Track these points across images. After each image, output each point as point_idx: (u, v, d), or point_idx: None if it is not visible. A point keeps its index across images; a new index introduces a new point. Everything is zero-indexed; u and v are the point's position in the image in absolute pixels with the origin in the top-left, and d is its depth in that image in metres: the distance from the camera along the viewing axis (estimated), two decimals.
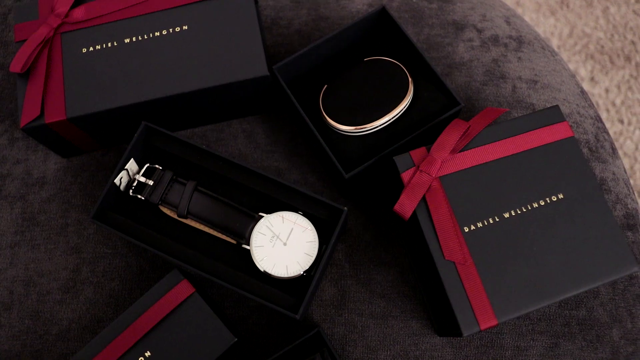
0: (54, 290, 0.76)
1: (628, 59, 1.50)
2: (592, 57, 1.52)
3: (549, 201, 0.66)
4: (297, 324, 0.73)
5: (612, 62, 1.51)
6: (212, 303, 0.71)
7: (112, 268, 0.76)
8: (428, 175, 0.65)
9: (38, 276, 0.76)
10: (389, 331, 0.73)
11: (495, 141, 0.68)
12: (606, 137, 0.86)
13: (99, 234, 0.78)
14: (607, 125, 1.44)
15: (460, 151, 0.67)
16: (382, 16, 0.77)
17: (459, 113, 0.73)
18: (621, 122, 1.45)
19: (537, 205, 0.65)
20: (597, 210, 0.66)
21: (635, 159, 1.41)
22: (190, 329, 0.66)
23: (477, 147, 0.67)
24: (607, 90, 1.49)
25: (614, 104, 1.47)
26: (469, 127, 0.67)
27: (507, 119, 0.75)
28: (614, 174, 0.82)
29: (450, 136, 0.66)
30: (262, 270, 0.67)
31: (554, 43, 1.55)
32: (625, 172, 0.85)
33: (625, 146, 1.42)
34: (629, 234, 0.79)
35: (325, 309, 0.74)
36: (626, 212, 0.80)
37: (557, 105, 0.70)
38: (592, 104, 0.89)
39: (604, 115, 1.46)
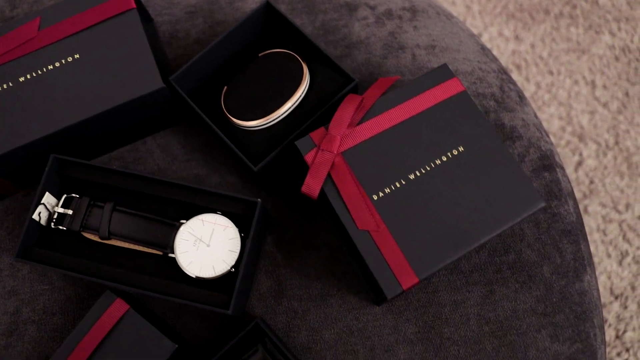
0: None
1: (547, 12, 1.54)
2: (513, 16, 1.56)
3: (450, 156, 0.68)
4: (241, 321, 0.75)
5: (532, 17, 1.54)
6: (152, 316, 0.72)
7: (52, 303, 0.77)
8: (330, 153, 0.67)
9: None
10: (329, 310, 0.75)
11: (390, 108, 0.70)
12: (512, 87, 0.88)
13: (33, 272, 0.78)
14: (538, 78, 1.48)
15: (358, 124, 0.69)
16: (269, 10, 0.79)
17: (356, 89, 0.75)
18: (551, 73, 1.49)
19: (439, 162, 0.68)
20: (497, 156, 0.68)
21: (571, 106, 1.45)
22: (131, 345, 0.67)
23: (375, 117, 0.69)
24: (532, 46, 1.52)
25: (541, 58, 1.51)
26: (362, 100, 0.69)
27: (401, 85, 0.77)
28: (523, 120, 0.85)
29: (345, 111, 0.68)
30: (190, 274, 0.68)
31: (475, 9, 1.58)
32: (536, 117, 0.88)
33: (559, 95, 1.46)
34: (546, 174, 0.82)
35: (264, 302, 0.75)
36: (540, 154, 0.83)
37: (445, 64, 0.72)
38: (495, 58, 0.92)
39: (533, 70, 1.49)
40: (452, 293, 0.76)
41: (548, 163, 0.83)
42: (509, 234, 0.78)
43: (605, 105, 1.42)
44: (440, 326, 0.74)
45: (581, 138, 1.40)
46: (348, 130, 0.68)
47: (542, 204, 0.66)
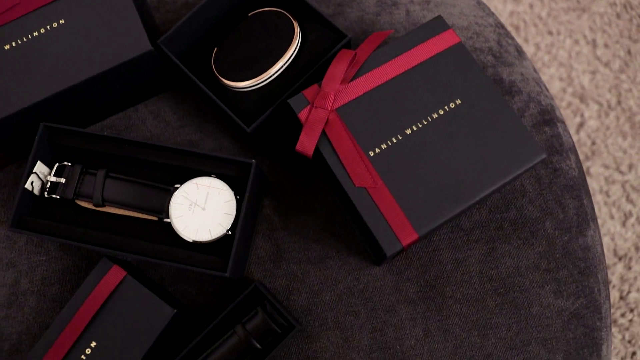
0: None
1: None
2: None
3: (447, 109, 0.67)
4: (240, 286, 0.74)
5: None
6: (150, 283, 0.71)
7: (50, 273, 0.76)
8: (323, 110, 0.65)
9: None
10: (329, 272, 0.74)
11: (385, 63, 0.68)
12: (510, 41, 0.86)
13: (30, 244, 0.78)
14: (538, 39, 1.46)
15: (351, 80, 0.67)
16: None
17: (349, 46, 0.74)
18: (550, 33, 1.46)
19: (436, 116, 0.66)
20: (495, 108, 0.67)
21: (571, 67, 1.42)
22: (130, 311, 0.67)
23: (368, 72, 0.68)
24: (531, 6, 1.50)
25: (540, 18, 1.48)
26: (355, 55, 0.67)
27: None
28: (522, 74, 0.83)
29: (338, 67, 0.66)
30: (186, 239, 0.67)
31: None
32: (536, 72, 0.86)
33: (559, 56, 1.44)
34: (547, 129, 0.80)
35: (263, 265, 0.74)
36: (540, 109, 0.81)
37: (439, 15, 0.70)
38: (492, 13, 0.89)
39: (532, 31, 1.46)
40: (453, 251, 0.74)
41: (549, 118, 0.81)
42: (510, 190, 0.77)
43: (606, 64, 1.40)
44: (442, 285, 0.73)
45: (582, 99, 1.38)
46: (342, 87, 0.66)
47: (543, 156, 0.65)
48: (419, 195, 0.64)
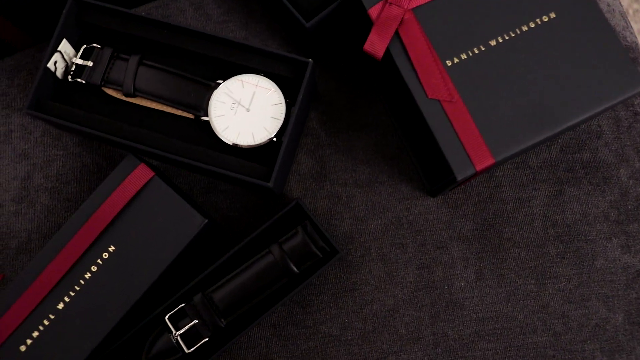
0: (6, 202, 0.68)
1: None
2: None
3: (539, 22, 0.58)
4: (275, 202, 0.67)
5: None
6: (178, 191, 0.64)
7: (67, 170, 0.69)
8: (398, 8, 0.56)
9: None
10: (377, 198, 0.66)
11: None
12: None
13: (47, 135, 0.70)
14: None
15: None
16: None
17: None
18: None
19: (526, 29, 0.57)
20: (594, 27, 0.58)
21: None
22: (155, 217, 0.59)
23: None
24: None
25: None
26: None
27: None
28: (608, 5, 0.74)
29: None
30: (225, 141, 0.59)
31: None
32: (621, 5, 0.76)
33: None
34: None
35: (304, 183, 0.67)
36: (625, 44, 0.72)
37: None
38: None
39: None
40: (516, 190, 0.67)
41: (633, 56, 0.72)
42: (585, 130, 0.69)
43: None
44: (500, 225, 0.66)
45: None
46: None
47: None
48: (499, 115, 0.55)
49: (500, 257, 0.65)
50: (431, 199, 0.66)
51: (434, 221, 0.66)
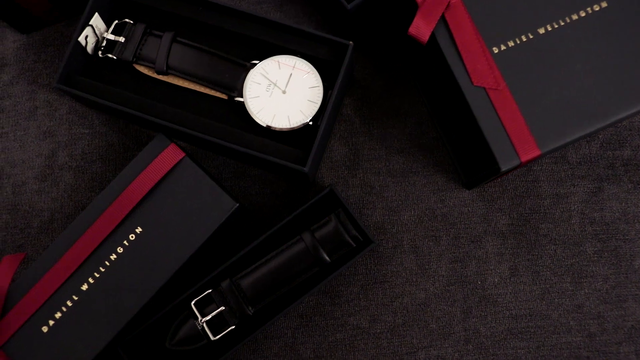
0: (29, 180, 0.67)
1: None
2: None
3: (590, 11, 0.55)
4: (306, 190, 0.65)
5: None
6: (208, 174, 0.62)
7: (92, 149, 0.67)
8: None
9: (10, 167, 0.67)
10: (410, 189, 0.64)
11: None
12: None
13: (72, 113, 0.68)
14: None
15: None
16: None
17: None
18: None
19: (576, 18, 0.55)
20: None
21: None
22: (185, 198, 0.58)
23: None
24: None
25: None
26: None
27: None
28: None
29: None
30: (260, 123, 0.58)
31: None
32: None
33: None
34: None
35: (336, 171, 0.65)
36: None
37: None
38: None
39: None
40: (554, 185, 0.65)
41: None
42: (627, 127, 0.67)
43: None
44: (537, 221, 0.64)
45: None
46: None
47: None
48: (546, 105, 0.53)
49: (536, 253, 0.63)
50: (466, 191, 0.64)
51: (468, 214, 0.64)
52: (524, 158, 0.52)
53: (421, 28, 0.54)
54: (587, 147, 0.66)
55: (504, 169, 0.52)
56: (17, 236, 0.66)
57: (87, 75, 0.62)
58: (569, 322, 0.62)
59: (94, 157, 0.67)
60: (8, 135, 0.68)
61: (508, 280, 0.63)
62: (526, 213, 0.64)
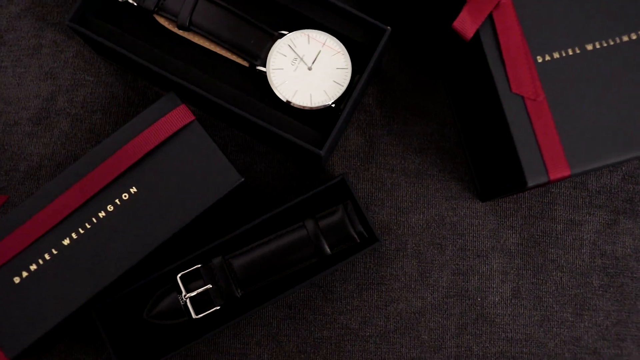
0: (23, 120, 0.63)
1: None
2: None
3: None
4: (314, 175, 0.61)
5: None
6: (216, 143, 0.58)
7: (94, 98, 0.63)
8: None
9: (4, 104, 0.63)
10: (423, 192, 0.61)
11: None
12: None
13: (79, 58, 0.64)
14: None
15: None
16: None
17: None
18: None
19: (627, 39, 0.53)
20: None
21: None
22: (187, 165, 0.54)
23: None
24: None
25: None
26: None
27: None
28: None
29: None
30: (280, 96, 0.54)
31: None
32: None
33: None
34: None
35: (349, 161, 0.62)
36: None
37: None
38: None
39: None
40: (570, 211, 0.62)
41: None
42: None
43: None
44: (547, 244, 0.61)
45: None
46: None
47: None
48: (582, 125, 0.51)
49: (541, 278, 0.61)
50: (479, 203, 0.62)
51: (478, 227, 0.61)
52: (553, 176, 0.49)
53: (467, 23, 0.51)
54: (608, 177, 0.63)
55: (530, 184, 0.49)
56: (1, 177, 0.62)
57: (102, 18, 0.58)
58: (564, 354, 0.60)
59: (95, 107, 0.63)
60: (7, 70, 0.64)
61: (509, 302, 0.60)
62: (537, 235, 0.61)
